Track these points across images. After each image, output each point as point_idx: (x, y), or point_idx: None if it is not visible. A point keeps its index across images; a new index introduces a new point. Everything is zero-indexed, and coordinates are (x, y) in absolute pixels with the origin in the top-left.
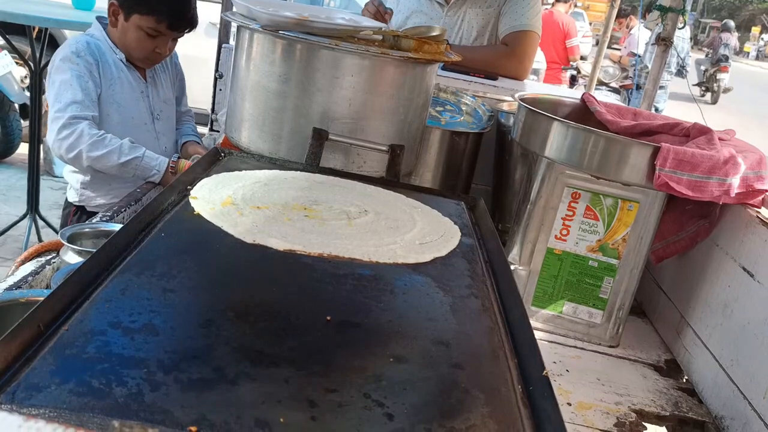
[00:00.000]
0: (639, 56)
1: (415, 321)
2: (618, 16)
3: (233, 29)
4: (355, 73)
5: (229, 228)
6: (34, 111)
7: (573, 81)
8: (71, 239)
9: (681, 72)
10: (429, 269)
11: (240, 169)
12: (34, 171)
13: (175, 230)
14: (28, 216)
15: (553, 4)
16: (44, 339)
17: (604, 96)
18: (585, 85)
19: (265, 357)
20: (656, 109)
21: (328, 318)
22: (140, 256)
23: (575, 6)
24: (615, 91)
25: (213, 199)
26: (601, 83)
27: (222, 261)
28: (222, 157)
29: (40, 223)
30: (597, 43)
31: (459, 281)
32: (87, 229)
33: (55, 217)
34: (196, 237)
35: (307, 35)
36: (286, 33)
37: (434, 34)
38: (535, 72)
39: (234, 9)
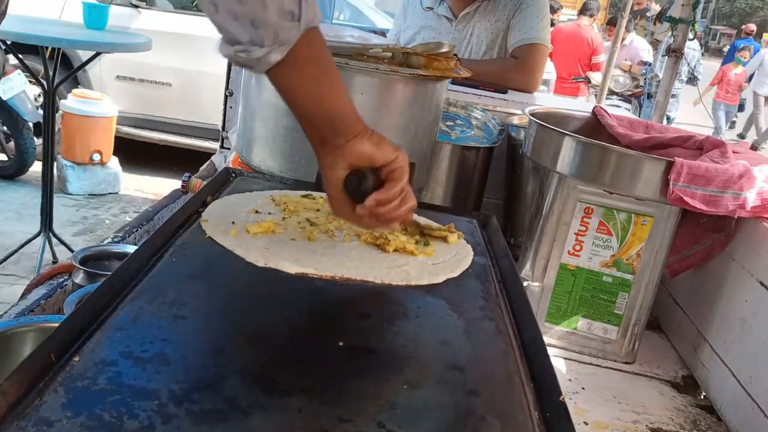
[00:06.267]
0: (649, 65)
1: (428, 345)
2: (609, 23)
3: None
4: (365, 91)
5: (241, 251)
6: (47, 129)
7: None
8: (83, 261)
9: (692, 80)
10: (442, 291)
11: (251, 190)
12: (48, 189)
13: (186, 255)
14: (41, 234)
15: (578, 16)
16: (56, 370)
17: (614, 105)
18: (596, 95)
19: (277, 385)
20: (668, 118)
21: (341, 343)
22: (151, 282)
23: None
24: (626, 100)
25: (224, 221)
26: (612, 92)
27: (233, 286)
28: (233, 178)
29: (54, 240)
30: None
31: (472, 303)
32: (99, 251)
33: (68, 234)
34: (208, 261)
35: None
36: None
37: (443, 50)
38: (545, 83)
39: None
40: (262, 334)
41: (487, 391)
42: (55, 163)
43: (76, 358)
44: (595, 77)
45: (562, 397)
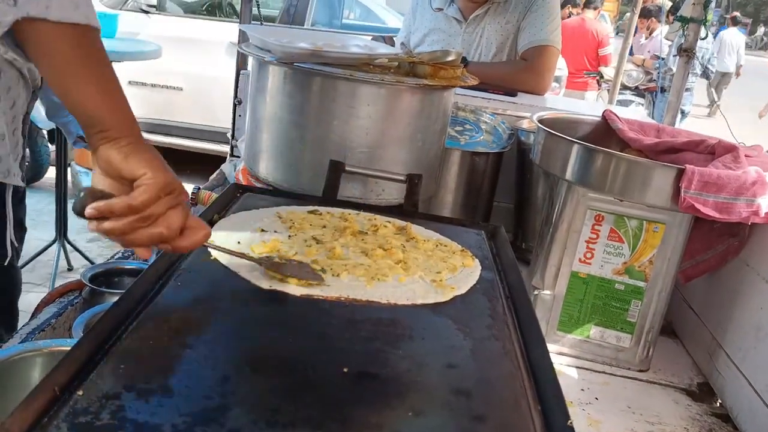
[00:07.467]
0: (663, 59)
1: (434, 369)
2: (641, 16)
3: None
4: (371, 102)
5: (246, 273)
6: (60, 136)
7: (598, 85)
8: (93, 279)
9: (705, 73)
10: (448, 309)
11: (257, 207)
12: (62, 196)
13: (191, 278)
14: (56, 242)
15: (583, 10)
16: (59, 404)
17: (628, 100)
18: (608, 89)
19: (281, 416)
20: (682, 112)
21: (345, 369)
22: (156, 308)
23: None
24: (639, 94)
25: (229, 242)
26: (624, 87)
27: (238, 310)
28: (240, 195)
29: (69, 248)
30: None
31: (479, 321)
32: (108, 268)
33: (83, 241)
34: (213, 284)
35: (322, 66)
36: (301, 65)
37: (450, 58)
38: (557, 79)
39: (249, 41)
40: (266, 362)
41: (494, 417)
42: (69, 170)
43: (80, 392)
44: (607, 72)
45: (570, 422)
